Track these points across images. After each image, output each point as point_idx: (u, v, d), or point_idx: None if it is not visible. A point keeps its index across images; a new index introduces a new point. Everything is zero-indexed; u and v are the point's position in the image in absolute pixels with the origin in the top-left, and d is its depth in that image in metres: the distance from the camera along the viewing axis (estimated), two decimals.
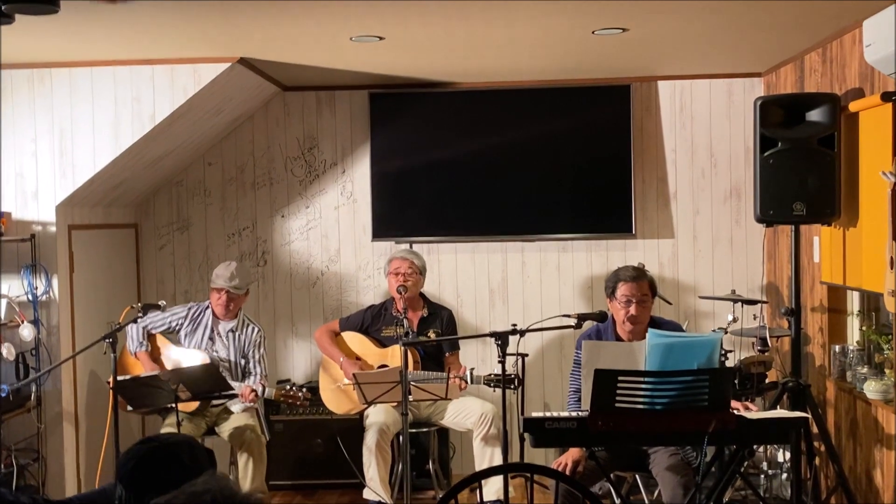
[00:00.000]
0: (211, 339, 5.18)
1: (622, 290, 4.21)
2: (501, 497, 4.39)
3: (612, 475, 4.14)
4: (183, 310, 5.24)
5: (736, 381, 4.61)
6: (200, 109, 5.25)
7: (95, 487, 4.91)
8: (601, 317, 4.18)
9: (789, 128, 4.49)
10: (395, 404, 4.93)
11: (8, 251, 4.89)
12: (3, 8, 3.21)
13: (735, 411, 3.55)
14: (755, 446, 4.29)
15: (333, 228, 6.08)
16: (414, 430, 5.06)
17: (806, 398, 4.44)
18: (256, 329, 5.26)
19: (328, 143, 6.06)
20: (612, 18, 4.26)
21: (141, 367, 5.07)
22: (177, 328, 5.22)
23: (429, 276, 5.92)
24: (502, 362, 3.96)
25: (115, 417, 4.43)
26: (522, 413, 4.20)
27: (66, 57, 4.85)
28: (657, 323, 4.29)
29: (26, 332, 4.80)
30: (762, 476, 4.91)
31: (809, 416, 4.07)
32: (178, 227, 6.10)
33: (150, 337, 5.21)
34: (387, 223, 5.96)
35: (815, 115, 4.47)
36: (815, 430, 4.50)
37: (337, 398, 5.26)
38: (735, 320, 4.89)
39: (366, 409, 5.08)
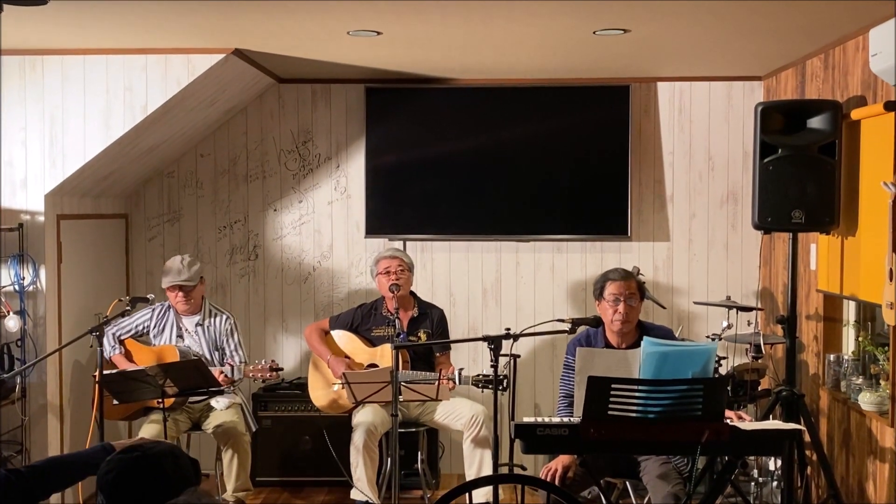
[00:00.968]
0: (180, 336, 5.13)
1: (610, 288, 4.18)
2: (490, 500, 4.35)
3: (601, 481, 4.11)
4: (148, 311, 5.18)
5: (729, 388, 4.57)
6: (194, 100, 5.18)
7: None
8: (596, 322, 4.13)
9: (790, 134, 4.45)
10: (383, 404, 4.88)
11: None
12: None
13: (728, 420, 3.51)
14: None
15: (326, 224, 6.02)
16: (403, 430, 5.00)
17: (800, 408, 4.41)
18: (225, 317, 5.19)
19: (323, 136, 6.00)
20: (614, 19, 4.21)
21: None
22: (144, 331, 5.18)
23: (422, 275, 5.87)
24: (495, 366, 3.91)
25: (101, 412, 4.38)
26: (513, 416, 4.17)
27: (58, 44, 4.77)
28: (647, 328, 4.24)
29: (12, 323, 4.74)
30: (752, 483, 4.88)
31: (804, 427, 4.04)
32: (169, 219, 6.03)
33: (122, 342, 5.15)
34: (380, 220, 5.90)
35: (816, 123, 4.42)
36: (807, 438, 4.47)
37: (326, 396, 5.21)
38: (730, 326, 4.85)
39: (354, 408, 5.03)
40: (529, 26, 4.33)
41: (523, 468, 4.18)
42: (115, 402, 4.63)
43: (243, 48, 4.84)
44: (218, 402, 5.02)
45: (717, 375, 4.34)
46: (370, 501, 4.90)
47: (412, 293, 5.36)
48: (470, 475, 4.91)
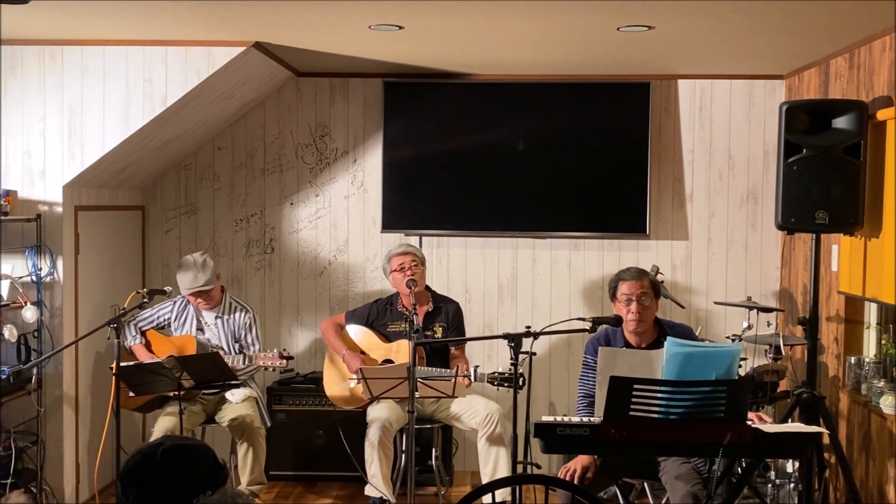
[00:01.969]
0: (200, 329, 5.13)
1: (622, 288, 4.14)
2: (508, 499, 4.32)
3: (620, 480, 4.08)
4: (168, 304, 5.18)
5: None
6: (212, 93, 5.16)
7: (95, 473, 4.87)
8: (616, 321, 4.10)
9: (814, 134, 4.40)
10: (398, 400, 4.86)
11: (13, 231, 4.81)
12: None
13: (750, 422, 3.48)
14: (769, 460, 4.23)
15: (343, 218, 6.00)
16: (417, 427, 4.98)
17: (820, 410, 4.37)
18: (245, 311, 5.18)
19: (340, 130, 5.97)
20: (639, 15, 4.17)
21: (137, 359, 5.00)
22: (165, 324, 5.18)
23: (437, 270, 5.85)
24: (514, 364, 3.87)
25: (117, 403, 4.37)
26: (528, 414, 4.14)
27: (78, 35, 4.75)
28: (666, 327, 4.20)
29: (29, 313, 4.73)
30: (769, 485, 4.84)
31: (826, 430, 4.00)
32: (186, 211, 6.02)
33: (143, 332, 5.16)
34: (397, 214, 5.87)
35: (841, 123, 4.37)
36: (825, 441, 4.43)
37: (341, 391, 5.19)
38: (750, 327, 4.81)
39: (369, 403, 5.01)
40: (553, 22, 4.30)
41: (538, 466, 4.15)
42: (132, 394, 4.63)
43: (264, 41, 4.82)
44: (233, 395, 5.01)
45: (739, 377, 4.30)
46: (385, 498, 4.88)
47: (427, 287, 5.34)
48: (485, 473, 4.89)
